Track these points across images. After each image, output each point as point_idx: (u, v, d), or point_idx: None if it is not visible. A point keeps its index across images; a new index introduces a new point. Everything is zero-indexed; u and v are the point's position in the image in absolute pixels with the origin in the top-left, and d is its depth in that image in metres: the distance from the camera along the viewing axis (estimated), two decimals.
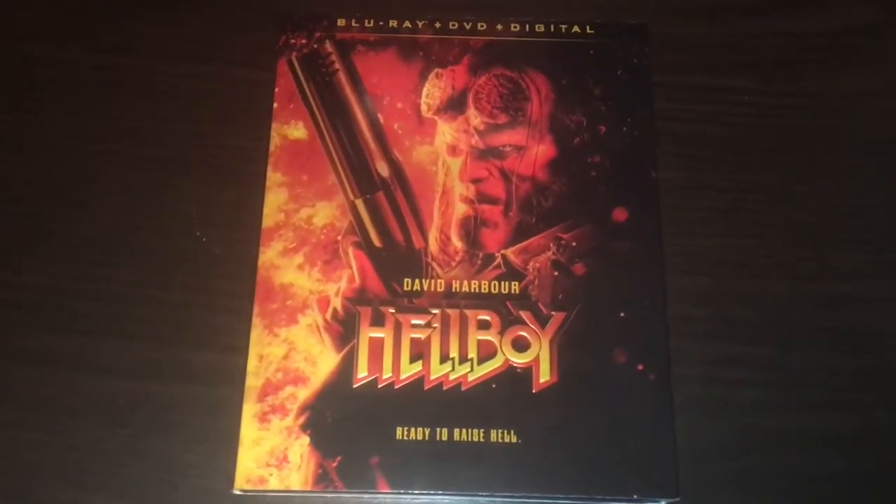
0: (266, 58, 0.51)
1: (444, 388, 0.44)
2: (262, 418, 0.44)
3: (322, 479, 0.43)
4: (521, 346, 0.45)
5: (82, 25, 0.54)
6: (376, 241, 0.47)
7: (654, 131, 0.49)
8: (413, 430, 0.43)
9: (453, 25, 0.52)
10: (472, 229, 0.47)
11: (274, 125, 0.49)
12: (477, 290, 0.46)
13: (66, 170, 0.50)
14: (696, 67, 0.53)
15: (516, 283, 0.46)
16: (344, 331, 0.45)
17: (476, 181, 0.48)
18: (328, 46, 0.51)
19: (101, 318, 0.47)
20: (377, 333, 0.45)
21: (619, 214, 0.47)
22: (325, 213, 0.47)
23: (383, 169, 0.48)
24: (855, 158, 0.52)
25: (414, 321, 0.45)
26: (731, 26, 0.54)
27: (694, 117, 0.52)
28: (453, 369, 0.44)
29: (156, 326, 0.47)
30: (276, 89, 0.50)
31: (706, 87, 0.53)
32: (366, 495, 0.43)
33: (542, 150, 0.49)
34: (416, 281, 0.46)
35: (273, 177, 0.48)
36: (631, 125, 0.49)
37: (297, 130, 0.49)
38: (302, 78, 0.50)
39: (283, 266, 0.46)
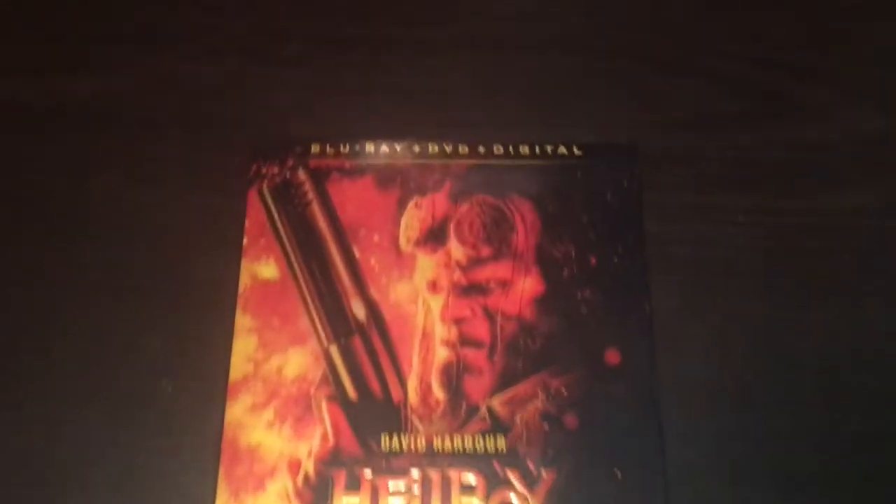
0: (237, 187, 0.49)
1: None
2: None
3: None
4: None
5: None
6: (351, 394, 0.44)
7: (647, 258, 0.47)
8: None
9: (433, 149, 0.49)
10: (454, 377, 0.44)
11: (244, 262, 0.46)
12: (461, 448, 0.42)
13: (23, 305, 0.48)
14: (689, 185, 0.50)
15: (502, 438, 0.43)
16: (316, 497, 0.41)
17: (458, 322, 0.45)
18: (301, 175, 0.48)
19: (58, 471, 0.44)
20: (353, 499, 0.41)
21: (612, 357, 0.44)
22: (297, 362, 0.44)
23: (359, 310, 0.45)
24: (859, 281, 0.49)
25: (392, 486, 0.41)
26: (726, 138, 0.52)
27: (688, 239, 0.49)
28: None
29: (118, 486, 0.44)
30: (247, 222, 0.47)
31: (700, 206, 0.50)
32: None
33: (528, 285, 0.46)
34: (395, 437, 0.42)
35: (242, 320, 0.45)
36: (622, 254, 0.46)
37: (269, 268, 0.46)
38: (273, 210, 0.47)
39: (251, 424, 0.43)
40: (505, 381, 0.44)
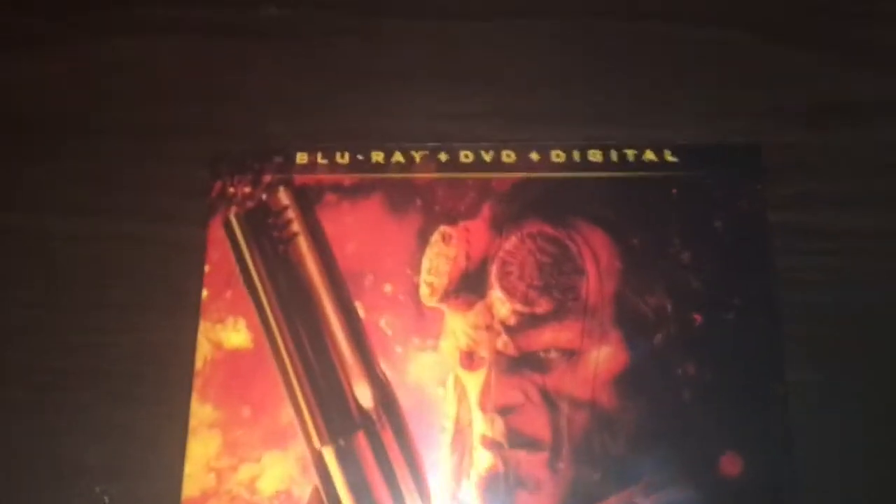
0: (193, 214, 0.35)
1: None
2: None
3: None
4: None
5: None
6: None
7: (778, 314, 0.33)
8: None
9: (466, 157, 0.35)
10: (501, 494, 0.31)
11: (203, 325, 0.33)
12: None
13: None
14: (829, 199, 0.36)
15: None
16: None
17: (506, 410, 0.32)
18: (283, 197, 0.35)
19: None
20: None
21: (730, 465, 0.31)
22: (277, 473, 0.31)
23: (365, 395, 0.32)
24: None
25: None
26: (874, 128, 0.37)
27: (840, 285, 0.35)
28: None
29: None
30: (207, 266, 0.34)
31: (852, 232, 0.35)
32: None
33: (605, 357, 0.32)
34: None
35: (200, 411, 0.32)
36: (741, 307, 0.32)
37: (237, 334, 0.33)
38: (244, 248, 0.34)
39: None
40: (575, 499, 0.31)
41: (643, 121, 0.36)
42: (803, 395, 0.32)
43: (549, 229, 0.33)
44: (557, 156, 0.35)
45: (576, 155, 0.35)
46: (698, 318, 0.32)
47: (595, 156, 0.35)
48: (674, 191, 0.34)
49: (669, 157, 0.34)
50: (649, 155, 0.34)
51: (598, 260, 0.33)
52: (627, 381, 0.32)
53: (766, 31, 0.37)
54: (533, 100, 0.37)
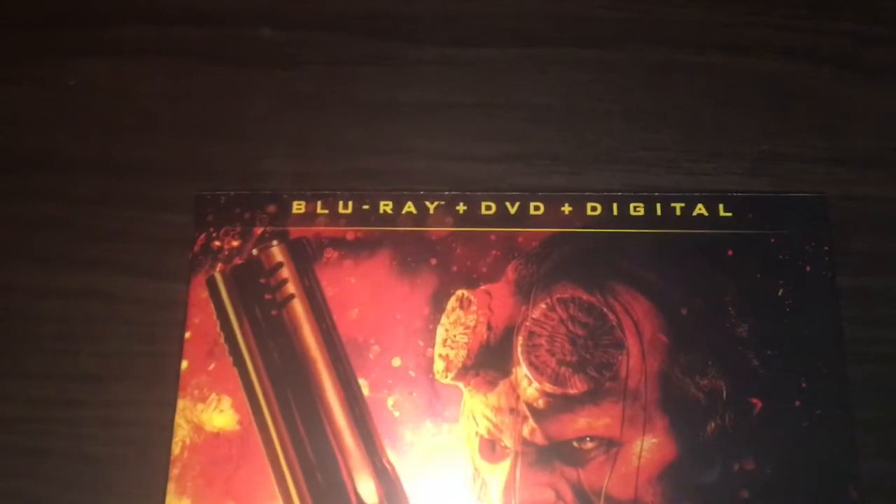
0: (172, 271, 0.31)
1: None
2: None
3: None
4: None
5: None
6: None
7: (850, 399, 0.28)
8: None
9: (488, 208, 0.31)
10: None
11: (181, 403, 0.29)
12: None
13: None
14: None
15: None
16: None
17: None
18: (276, 253, 0.30)
19: None
20: None
21: None
22: None
23: (368, 490, 0.28)
24: None
25: None
26: None
27: None
28: None
29: None
30: (188, 332, 0.30)
31: None
32: None
33: (649, 448, 0.28)
34: None
35: None
36: (808, 391, 0.28)
37: (220, 414, 0.28)
38: (230, 311, 0.29)
39: None
40: None
41: (693, 168, 0.31)
42: (880, 491, 0.28)
43: (583, 295, 0.29)
44: (593, 208, 0.30)
45: (615, 208, 0.30)
46: (758, 403, 0.28)
47: (637, 209, 0.30)
48: (729, 251, 0.29)
49: (723, 212, 0.30)
50: (700, 209, 0.30)
51: (640, 332, 0.28)
52: (676, 476, 0.27)
53: (838, 64, 0.33)
54: (566, 142, 0.32)
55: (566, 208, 0.30)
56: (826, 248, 0.29)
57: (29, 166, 0.33)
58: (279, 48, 0.34)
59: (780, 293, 0.29)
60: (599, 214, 0.30)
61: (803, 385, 0.28)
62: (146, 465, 0.28)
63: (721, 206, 0.30)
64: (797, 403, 0.28)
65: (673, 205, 0.30)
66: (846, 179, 0.31)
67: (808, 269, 0.29)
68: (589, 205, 0.30)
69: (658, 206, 0.30)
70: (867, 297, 0.30)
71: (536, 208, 0.30)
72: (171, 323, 0.30)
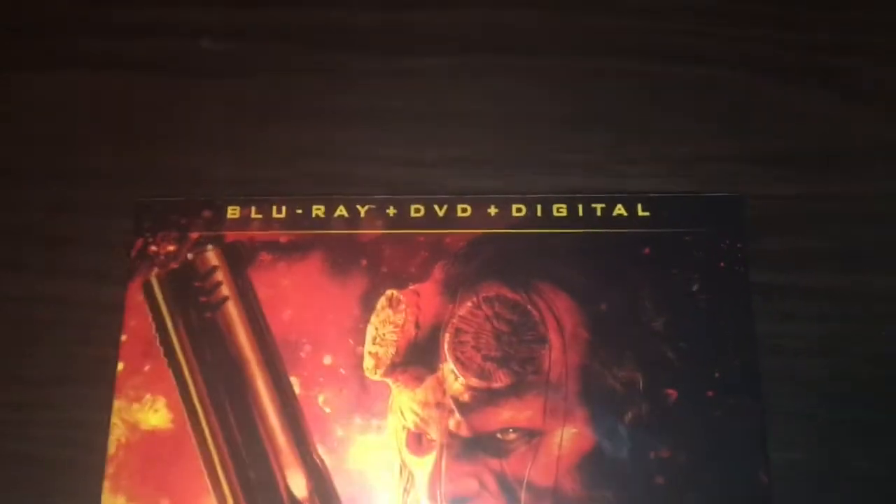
0: (109, 275, 0.32)
1: None
2: None
3: None
4: None
5: None
6: None
7: (764, 389, 0.29)
8: None
9: (417, 211, 0.32)
10: None
11: (116, 403, 0.29)
12: None
13: None
14: (824, 260, 0.33)
15: None
16: None
17: (459, 501, 0.28)
18: (211, 256, 0.31)
19: None
20: None
21: None
22: None
23: (299, 484, 0.29)
24: None
25: None
26: (869, 177, 0.34)
27: (823, 347, 0.32)
28: None
29: None
30: (124, 335, 0.30)
31: (846, 294, 0.32)
32: None
33: (569, 438, 0.29)
34: None
35: (112, 502, 0.29)
36: (721, 382, 0.29)
37: (155, 413, 0.29)
38: (165, 313, 0.30)
39: None
40: None
41: (612, 170, 0.33)
42: (790, 478, 0.29)
43: (508, 293, 0.30)
44: (518, 210, 0.31)
45: (538, 209, 0.31)
46: (673, 393, 0.29)
47: (560, 210, 0.31)
48: (646, 250, 0.31)
49: (641, 212, 0.31)
50: (619, 209, 0.31)
51: (562, 328, 0.30)
52: (594, 464, 0.28)
53: (752, 68, 0.34)
54: (492, 146, 0.33)
55: (492, 210, 0.31)
56: (740, 245, 0.31)
57: None
58: (222, 59, 0.35)
59: (694, 289, 0.30)
60: (524, 215, 0.31)
61: (716, 376, 0.29)
62: (89, 464, 0.29)
63: (639, 206, 0.31)
64: (710, 394, 0.29)
65: (594, 205, 0.31)
66: (760, 179, 0.33)
67: (721, 265, 0.30)
68: (514, 206, 0.31)
69: (580, 206, 0.31)
70: (778, 293, 0.31)
71: (464, 210, 0.31)
72: (110, 326, 0.31)
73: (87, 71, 0.35)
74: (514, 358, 0.29)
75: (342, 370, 0.29)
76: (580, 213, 0.31)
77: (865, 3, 0.35)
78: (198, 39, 0.35)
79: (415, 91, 0.35)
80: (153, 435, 0.29)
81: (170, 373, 0.29)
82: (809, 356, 0.30)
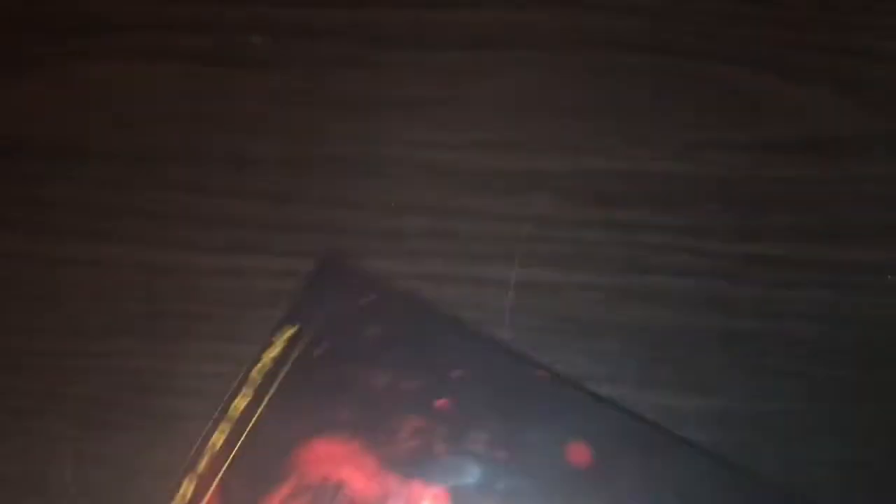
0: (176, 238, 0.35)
1: None
2: None
3: None
4: None
5: None
6: None
7: None
8: None
9: None
10: None
11: None
12: None
13: None
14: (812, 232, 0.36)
15: None
16: None
17: None
18: None
19: None
20: None
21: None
22: None
23: None
24: None
25: None
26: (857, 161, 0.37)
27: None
28: None
29: None
30: None
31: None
32: None
33: None
34: None
35: None
36: None
37: None
38: None
39: None
40: None
41: (627, 153, 0.36)
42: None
43: None
44: None
45: None
46: None
47: None
48: None
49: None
50: None
51: None
52: None
53: (753, 63, 0.37)
54: (511, 131, 0.37)
55: None
56: None
57: (58, 154, 0.38)
58: (267, 52, 0.39)
59: None
60: None
61: None
62: None
63: None
64: None
65: None
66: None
67: None
68: None
69: None
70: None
71: None
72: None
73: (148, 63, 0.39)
74: None
75: None
76: None
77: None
78: (247, 36, 0.39)
79: (437, 81, 0.38)
80: None
81: None
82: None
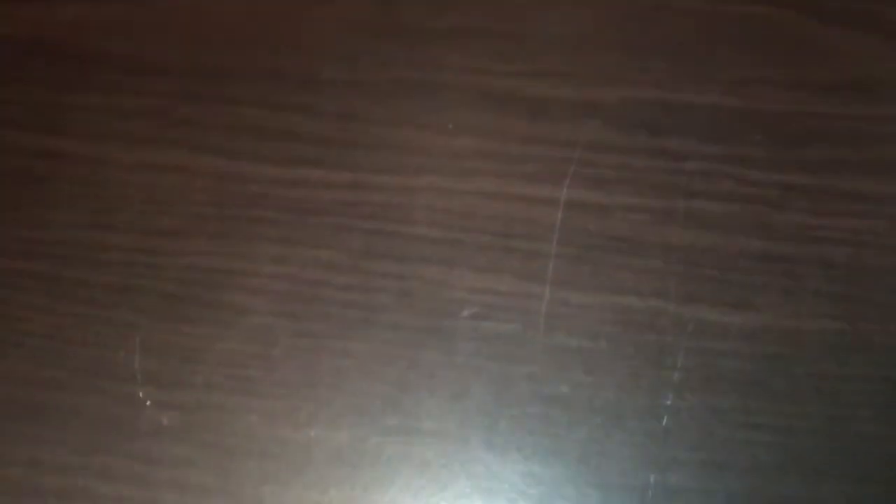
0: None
1: None
2: None
3: None
4: None
5: None
6: None
7: None
8: None
9: None
10: None
11: None
12: None
13: None
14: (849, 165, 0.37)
15: None
16: None
17: None
18: None
19: None
20: None
21: None
22: None
23: None
24: None
25: None
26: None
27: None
28: None
29: None
30: None
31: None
32: None
33: None
34: None
35: None
36: None
37: None
38: None
39: None
40: None
41: (676, 87, 0.38)
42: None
43: None
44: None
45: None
46: None
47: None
48: None
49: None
50: None
51: None
52: None
53: (797, 8, 0.39)
54: (567, 63, 0.39)
55: None
56: None
57: (125, 68, 0.40)
58: None
59: None
60: None
61: None
62: None
63: None
64: None
65: None
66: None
67: None
68: None
69: None
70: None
71: None
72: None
73: None
74: None
75: None
76: None
77: None
78: None
79: (496, 15, 0.40)
80: None
81: None
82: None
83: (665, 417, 0.34)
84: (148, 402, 0.34)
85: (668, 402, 0.34)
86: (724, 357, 0.34)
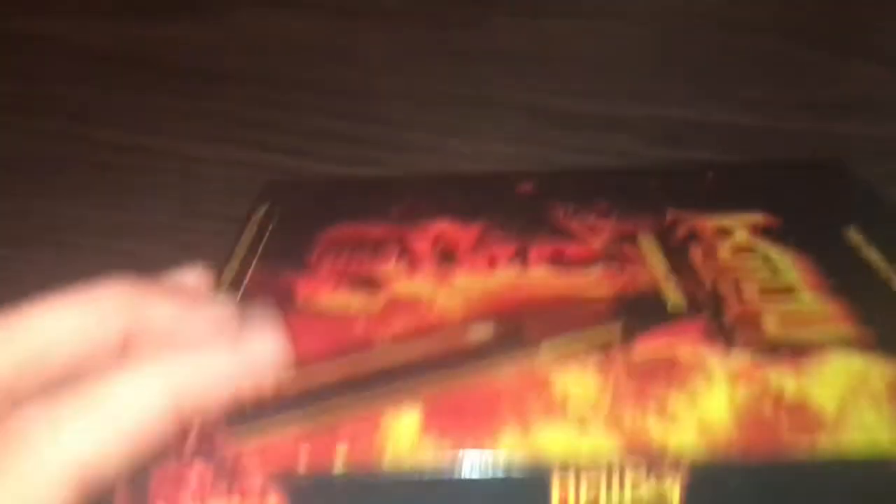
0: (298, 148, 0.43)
1: None
2: None
3: None
4: None
5: None
6: None
7: None
8: None
9: None
10: None
11: None
12: None
13: None
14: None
15: None
16: None
17: None
18: None
19: None
20: None
21: None
22: None
23: None
24: None
25: None
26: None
27: None
28: None
29: None
30: None
31: None
32: None
33: None
34: None
35: None
36: None
37: None
38: None
39: None
40: None
41: (697, 105, 0.43)
42: None
43: None
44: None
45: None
46: None
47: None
48: None
49: None
50: None
51: None
52: None
53: (806, 39, 0.43)
54: (600, 82, 0.44)
55: None
56: None
57: (207, 77, 0.45)
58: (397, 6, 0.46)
59: None
60: None
61: None
62: None
63: None
64: None
65: None
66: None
67: None
68: None
69: None
70: None
71: None
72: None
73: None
74: None
75: None
76: None
77: None
78: None
79: (537, 42, 0.45)
80: None
81: None
82: None
83: None
84: None
85: None
86: None
